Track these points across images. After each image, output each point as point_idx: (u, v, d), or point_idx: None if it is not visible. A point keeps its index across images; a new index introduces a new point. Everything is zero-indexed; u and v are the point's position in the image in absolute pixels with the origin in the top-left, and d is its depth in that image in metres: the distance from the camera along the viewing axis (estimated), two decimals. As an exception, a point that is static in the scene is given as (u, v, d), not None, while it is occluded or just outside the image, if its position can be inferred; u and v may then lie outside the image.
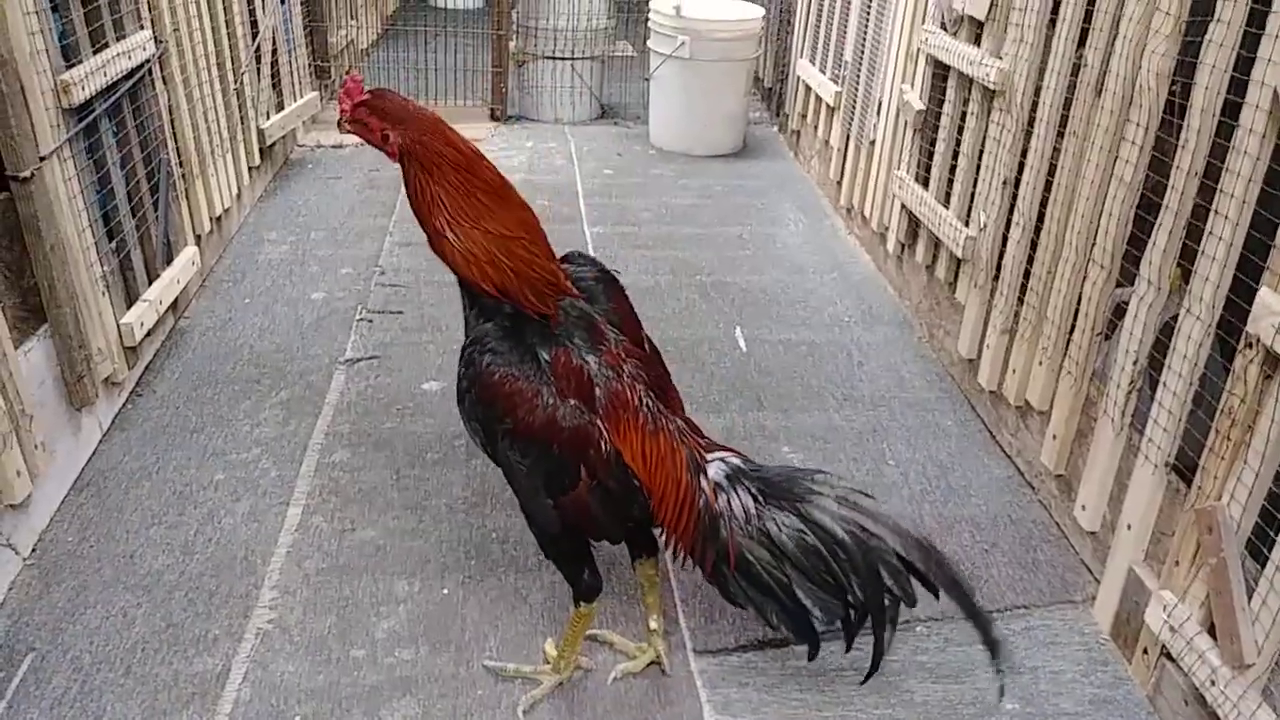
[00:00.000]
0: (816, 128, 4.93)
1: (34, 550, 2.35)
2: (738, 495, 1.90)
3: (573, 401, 1.81)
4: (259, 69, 4.19)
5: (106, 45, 2.76)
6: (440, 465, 2.73)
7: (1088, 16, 2.49)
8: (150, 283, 3.01)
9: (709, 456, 1.94)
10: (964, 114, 3.19)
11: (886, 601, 1.85)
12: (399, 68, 6.01)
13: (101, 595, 2.24)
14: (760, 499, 1.89)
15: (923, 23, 3.50)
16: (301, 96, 4.76)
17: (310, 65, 5.04)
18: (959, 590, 1.83)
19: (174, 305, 3.20)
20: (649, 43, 5.28)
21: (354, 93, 1.85)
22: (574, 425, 1.80)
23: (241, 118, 3.98)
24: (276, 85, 4.44)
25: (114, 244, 2.79)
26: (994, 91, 2.93)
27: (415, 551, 2.42)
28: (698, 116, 5.26)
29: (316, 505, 2.55)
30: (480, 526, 2.51)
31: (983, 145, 3.05)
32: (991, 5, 2.97)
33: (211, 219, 3.64)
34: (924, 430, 3.03)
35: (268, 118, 4.30)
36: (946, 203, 3.29)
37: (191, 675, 2.05)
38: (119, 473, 2.62)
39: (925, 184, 3.47)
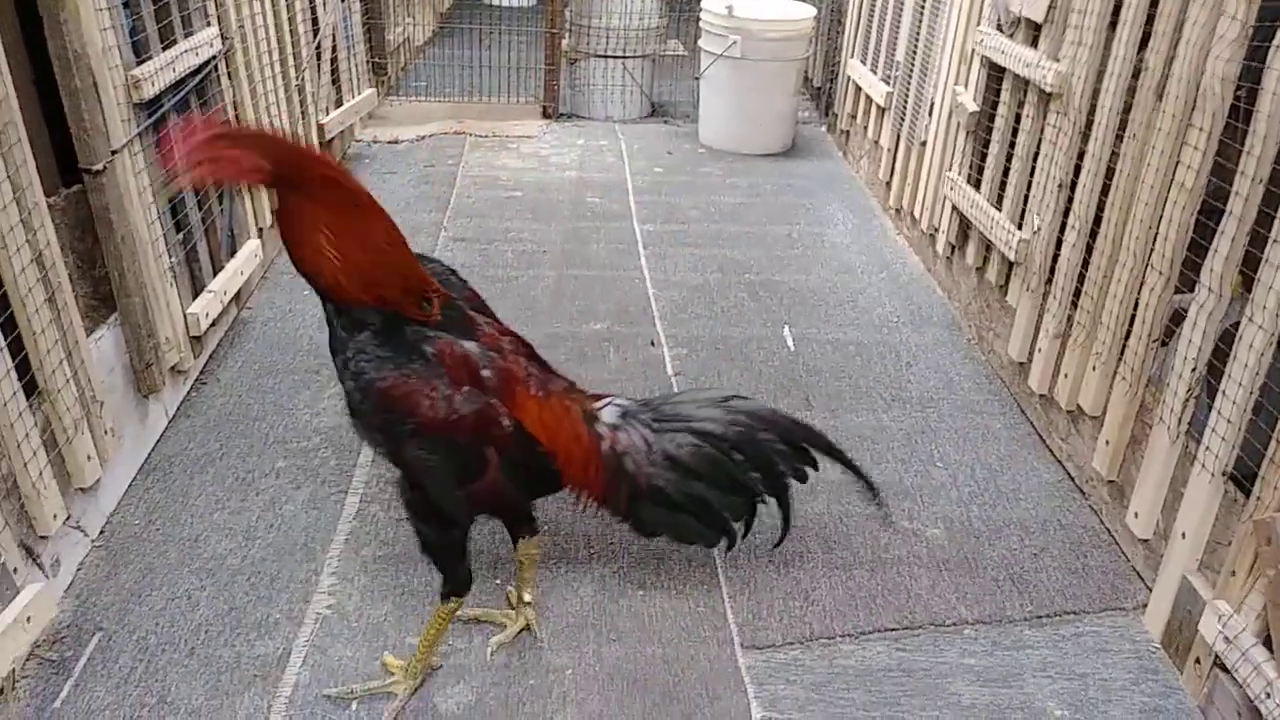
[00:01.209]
0: (866, 128, 4.91)
1: (102, 532, 2.43)
2: (634, 431, 2.03)
3: (466, 387, 1.84)
4: (319, 65, 4.27)
5: (175, 42, 2.84)
6: (492, 458, 2.78)
7: (1149, 19, 2.47)
8: (215, 274, 3.08)
9: (597, 405, 2.05)
10: (1019, 116, 3.18)
11: (785, 483, 2.12)
12: (453, 64, 6.08)
13: (167, 578, 2.31)
14: (654, 428, 2.04)
15: (978, 24, 3.48)
16: (359, 93, 4.84)
17: (368, 62, 5.11)
18: (836, 452, 2.13)
19: (237, 296, 3.28)
20: (700, 42, 5.30)
21: (195, 131, 1.66)
22: (474, 409, 1.84)
23: (302, 113, 4.06)
24: (336, 81, 4.52)
25: (181, 236, 2.87)
26: (1051, 94, 2.91)
27: (469, 542, 2.46)
28: (747, 116, 5.27)
29: (374, 494, 2.61)
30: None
31: (1038, 148, 3.03)
32: (1050, 7, 2.95)
33: (273, 212, 3.71)
34: (973, 433, 3.02)
35: (327, 113, 4.37)
36: (999, 205, 3.28)
37: (253, 658, 2.11)
38: (184, 459, 2.69)
39: (977, 186, 3.46)
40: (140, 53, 2.65)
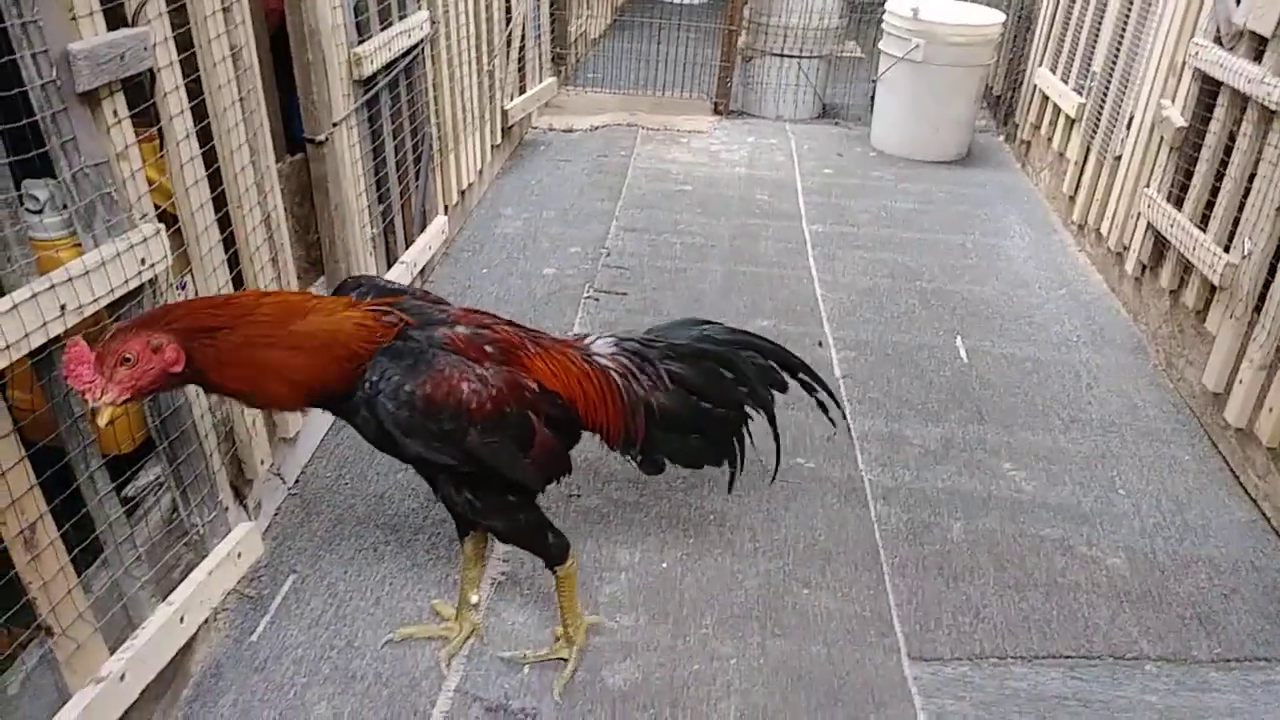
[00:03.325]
0: (1051, 139, 4.73)
1: (298, 481, 2.58)
2: (631, 356, 2.06)
3: (487, 363, 1.81)
4: (508, 53, 4.40)
5: (391, 23, 2.97)
6: (660, 444, 2.81)
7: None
8: (407, 246, 3.22)
9: (586, 343, 2.06)
10: (1234, 134, 3.01)
11: (770, 396, 2.17)
12: (626, 58, 6.16)
13: (355, 529, 2.43)
14: (650, 351, 2.08)
15: (1192, 36, 3.31)
16: (541, 81, 4.97)
17: (551, 52, 5.24)
18: (803, 367, 2.21)
19: (423, 270, 3.41)
20: (880, 44, 5.21)
21: (83, 354, 1.45)
22: (505, 380, 1.81)
23: (490, 98, 4.19)
24: (521, 69, 4.65)
25: (383, 208, 3.00)
26: (1275, 112, 2.74)
27: (636, 524, 2.51)
28: (924, 121, 5.16)
29: (547, 469, 2.67)
30: (699, 507, 2.58)
31: (1255, 168, 2.86)
32: (1280, 21, 2.78)
33: (458, 191, 3.86)
34: (1158, 462, 2.88)
35: (511, 99, 4.51)
36: (1203, 226, 3.11)
37: (434, 614, 2.20)
38: (372, 419, 2.83)
39: (1179, 204, 3.29)
40: (361, 32, 2.79)
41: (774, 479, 2.28)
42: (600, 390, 2.00)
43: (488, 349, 1.84)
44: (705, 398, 2.11)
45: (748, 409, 2.17)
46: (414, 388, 1.71)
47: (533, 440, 1.89)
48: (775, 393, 2.19)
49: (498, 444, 1.82)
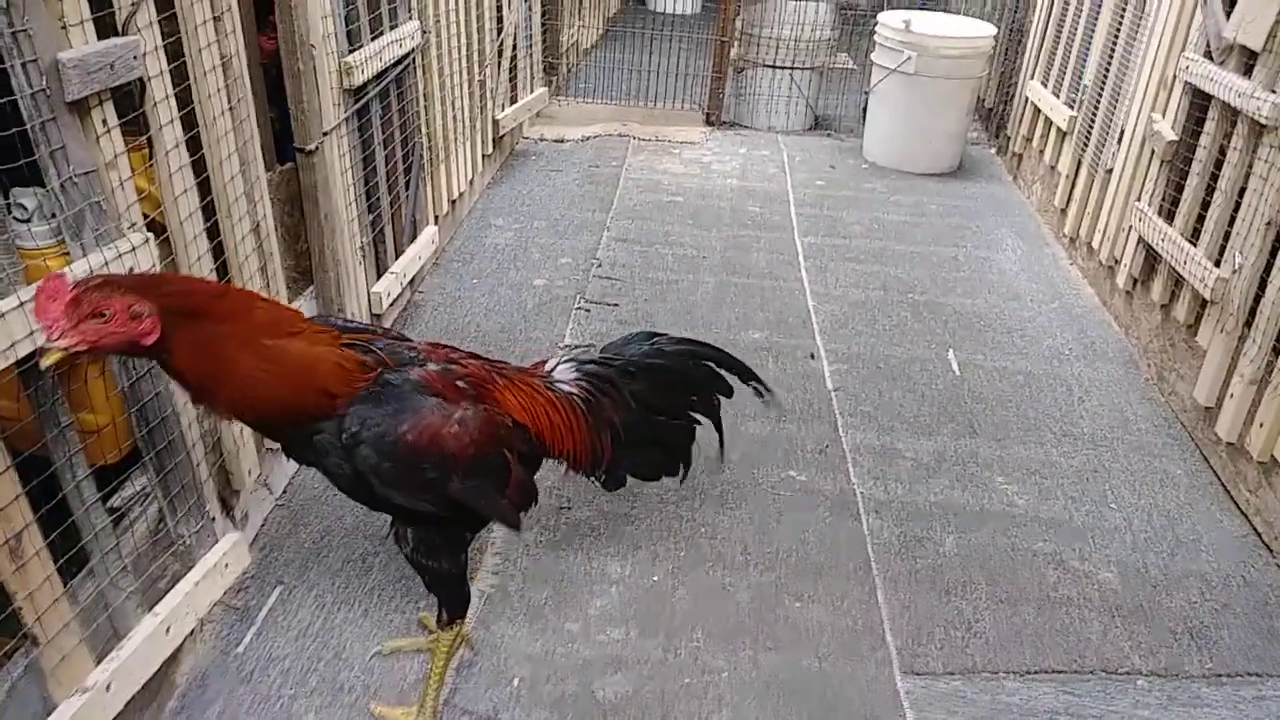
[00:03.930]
0: (1042, 152, 4.75)
1: (285, 492, 2.56)
2: (592, 378, 2.05)
3: (464, 403, 1.77)
4: (500, 62, 4.40)
5: (382, 32, 2.97)
6: (652, 456, 2.80)
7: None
8: (397, 256, 3.21)
9: (546, 369, 2.06)
10: (1224, 148, 3.02)
11: (717, 403, 2.24)
12: (618, 68, 6.17)
13: (343, 540, 2.42)
14: (612, 369, 2.07)
15: (1183, 50, 3.33)
16: (533, 91, 4.97)
17: (542, 62, 5.24)
18: (741, 367, 2.21)
19: (412, 280, 3.40)
20: (872, 56, 5.23)
21: (61, 290, 1.36)
22: (483, 419, 1.77)
23: (481, 108, 4.19)
24: (513, 79, 4.65)
25: (372, 218, 2.99)
26: (1265, 126, 2.75)
27: (628, 536, 2.50)
28: (916, 133, 5.17)
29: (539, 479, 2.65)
30: (690, 520, 2.57)
31: (1245, 182, 2.87)
32: (1269, 36, 2.80)
33: (449, 201, 3.85)
34: (1150, 476, 2.88)
35: (502, 109, 4.51)
36: (1194, 240, 3.12)
37: (421, 626, 2.18)
38: (361, 430, 2.81)
39: (1170, 218, 3.30)
40: (352, 41, 2.78)
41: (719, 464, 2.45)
42: (567, 419, 1.99)
43: (460, 385, 1.80)
44: (664, 412, 2.14)
45: (698, 415, 2.22)
46: (396, 437, 1.65)
47: (509, 478, 1.86)
48: (722, 398, 2.26)
49: (478, 487, 1.79)
